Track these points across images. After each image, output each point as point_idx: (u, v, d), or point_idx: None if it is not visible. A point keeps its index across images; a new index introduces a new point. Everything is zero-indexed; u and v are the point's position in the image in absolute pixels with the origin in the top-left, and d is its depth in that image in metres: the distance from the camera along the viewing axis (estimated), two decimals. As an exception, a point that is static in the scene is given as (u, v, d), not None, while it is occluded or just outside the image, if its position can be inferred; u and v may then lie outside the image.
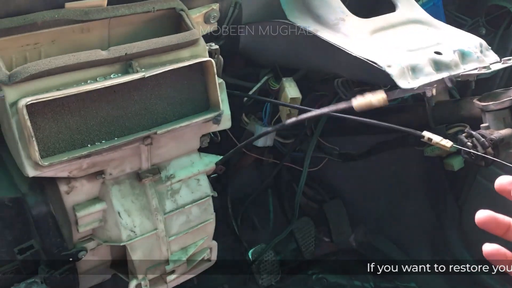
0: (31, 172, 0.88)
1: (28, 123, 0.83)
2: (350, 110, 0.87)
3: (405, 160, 2.03)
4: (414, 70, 1.02)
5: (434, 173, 2.02)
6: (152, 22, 1.05)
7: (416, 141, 1.31)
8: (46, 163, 0.86)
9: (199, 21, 1.12)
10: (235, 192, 1.99)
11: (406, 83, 0.99)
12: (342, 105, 0.89)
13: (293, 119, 0.99)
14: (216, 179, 1.22)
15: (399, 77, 0.99)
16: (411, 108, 1.29)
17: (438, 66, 1.05)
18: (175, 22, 1.07)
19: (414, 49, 1.08)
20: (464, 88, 1.31)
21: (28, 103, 0.82)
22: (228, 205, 1.71)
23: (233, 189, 1.95)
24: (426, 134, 0.95)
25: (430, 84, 1.03)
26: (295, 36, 1.18)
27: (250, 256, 1.68)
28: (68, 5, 0.92)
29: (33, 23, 0.88)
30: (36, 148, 0.84)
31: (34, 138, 0.84)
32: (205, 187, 1.15)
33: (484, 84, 1.54)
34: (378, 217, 2.08)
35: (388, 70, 0.99)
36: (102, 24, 0.98)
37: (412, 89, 1.00)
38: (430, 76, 1.03)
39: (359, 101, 0.82)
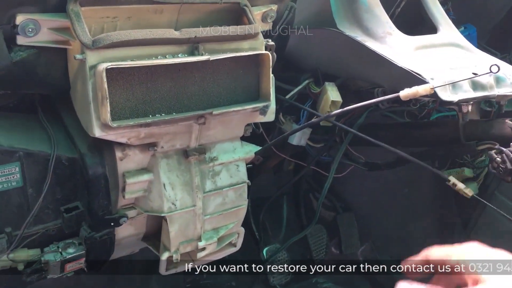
0: (98, 132, 0.95)
1: (105, 85, 0.90)
2: (397, 100, 0.94)
3: (418, 183, 2.11)
4: (454, 86, 1.10)
5: (445, 199, 2.10)
6: (217, 13, 1.13)
7: (441, 156, 1.39)
8: (115, 125, 0.93)
9: (257, 19, 1.20)
10: (251, 194, 2.06)
11: (447, 96, 1.07)
12: (389, 96, 0.97)
13: (337, 111, 1.06)
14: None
15: (440, 90, 1.07)
16: (443, 123, 1.37)
17: (475, 85, 1.13)
18: (236, 16, 1.15)
19: (454, 68, 1.16)
20: (489, 112, 1.40)
21: (108, 68, 0.90)
22: (248, 203, 1.77)
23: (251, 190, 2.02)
24: (452, 179, 1.03)
25: (467, 100, 1.10)
26: (342, 44, 1.27)
27: (264, 254, 1.74)
28: (149, -14, 1.00)
29: (116, -3, 0.96)
30: (109, 109, 0.92)
31: (108, 100, 0.91)
32: (243, 174, 1.22)
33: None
34: (386, 236, 2.14)
35: (432, 82, 1.07)
36: (174, 8, 1.06)
37: (451, 102, 1.07)
38: (467, 93, 1.11)
39: (406, 91, 0.89)
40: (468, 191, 1.02)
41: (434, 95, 1.08)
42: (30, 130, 1.05)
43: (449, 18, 1.47)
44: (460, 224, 2.07)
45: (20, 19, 0.90)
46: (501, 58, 1.70)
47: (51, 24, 0.93)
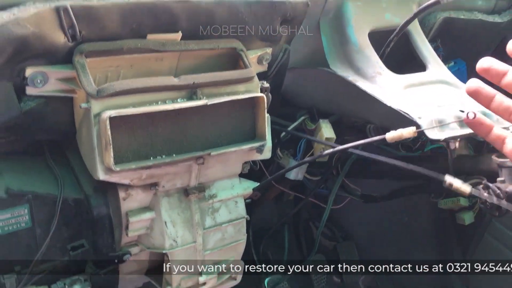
0: (102, 175, 1.01)
1: (109, 132, 0.96)
2: (382, 142, 0.99)
3: (417, 211, 2.14)
4: (441, 123, 1.15)
5: (444, 227, 2.13)
6: (214, 57, 1.19)
7: (436, 188, 1.44)
8: (118, 169, 0.98)
9: (253, 62, 1.26)
10: (253, 223, 2.10)
11: (434, 134, 1.12)
12: (375, 137, 1.02)
13: (329, 150, 1.11)
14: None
15: (427, 128, 1.12)
16: (433, 158, 1.42)
17: (462, 123, 1.18)
18: (233, 60, 1.21)
19: (441, 106, 1.22)
20: (482, 144, 1.45)
21: (112, 116, 0.96)
22: (250, 233, 1.81)
23: (252, 221, 2.06)
24: (448, 179, 1.07)
25: (454, 138, 1.15)
26: (335, 84, 1.33)
27: (266, 285, 1.77)
28: (149, 36, 1.06)
29: (119, 48, 1.03)
30: (112, 154, 0.97)
31: (111, 146, 0.97)
32: (241, 209, 1.27)
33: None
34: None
35: (419, 121, 1.12)
36: (173, 55, 1.12)
37: (438, 140, 1.12)
38: (454, 131, 1.16)
39: (392, 134, 0.94)
40: (466, 187, 1.04)
41: (421, 132, 1.13)
42: (38, 173, 1.11)
43: (439, 54, 1.53)
44: (459, 252, 2.09)
45: (29, 71, 0.96)
46: (492, 91, 1.76)
47: (58, 75, 1.00)
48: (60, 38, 0.95)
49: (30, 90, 0.99)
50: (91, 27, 0.98)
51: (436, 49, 1.53)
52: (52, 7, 0.92)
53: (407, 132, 0.93)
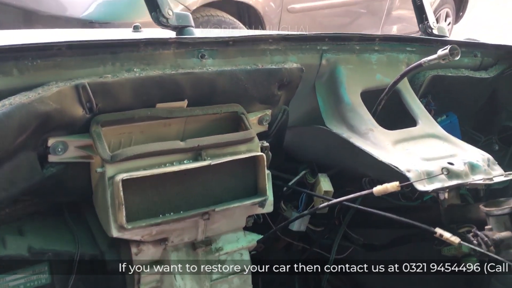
0: (115, 233, 1.10)
1: (121, 193, 1.06)
2: (370, 196, 1.08)
3: (423, 259, 2.17)
4: (430, 176, 1.23)
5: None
6: (218, 121, 1.30)
7: (432, 237, 1.49)
8: (129, 227, 1.08)
9: (254, 123, 1.37)
10: (262, 275, 2.15)
11: (422, 186, 1.20)
12: (364, 192, 1.11)
13: (324, 204, 1.20)
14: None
15: (415, 181, 1.20)
16: (426, 208, 1.48)
17: (450, 174, 1.26)
18: (235, 123, 1.32)
19: (430, 159, 1.30)
20: (477, 194, 1.51)
21: (124, 178, 1.07)
22: (259, 284, 1.87)
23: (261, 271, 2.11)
24: (438, 230, 1.14)
25: (442, 189, 1.23)
26: (331, 140, 1.43)
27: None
28: (158, 105, 1.18)
29: (132, 117, 1.15)
30: (124, 213, 1.07)
31: (123, 206, 1.07)
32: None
33: (500, 193, 1.73)
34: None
35: (407, 174, 1.21)
36: (180, 120, 1.24)
37: (427, 191, 1.20)
38: (442, 182, 1.24)
39: (378, 188, 1.03)
40: (455, 238, 1.11)
41: (410, 185, 1.21)
42: (57, 232, 1.21)
43: (431, 109, 1.63)
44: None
45: (51, 141, 1.08)
46: (485, 141, 1.84)
47: (77, 143, 1.11)
48: (78, 111, 1.08)
49: (52, 158, 1.10)
50: (106, 100, 1.10)
51: (427, 104, 1.64)
52: (72, 85, 1.05)
53: (391, 186, 1.01)
